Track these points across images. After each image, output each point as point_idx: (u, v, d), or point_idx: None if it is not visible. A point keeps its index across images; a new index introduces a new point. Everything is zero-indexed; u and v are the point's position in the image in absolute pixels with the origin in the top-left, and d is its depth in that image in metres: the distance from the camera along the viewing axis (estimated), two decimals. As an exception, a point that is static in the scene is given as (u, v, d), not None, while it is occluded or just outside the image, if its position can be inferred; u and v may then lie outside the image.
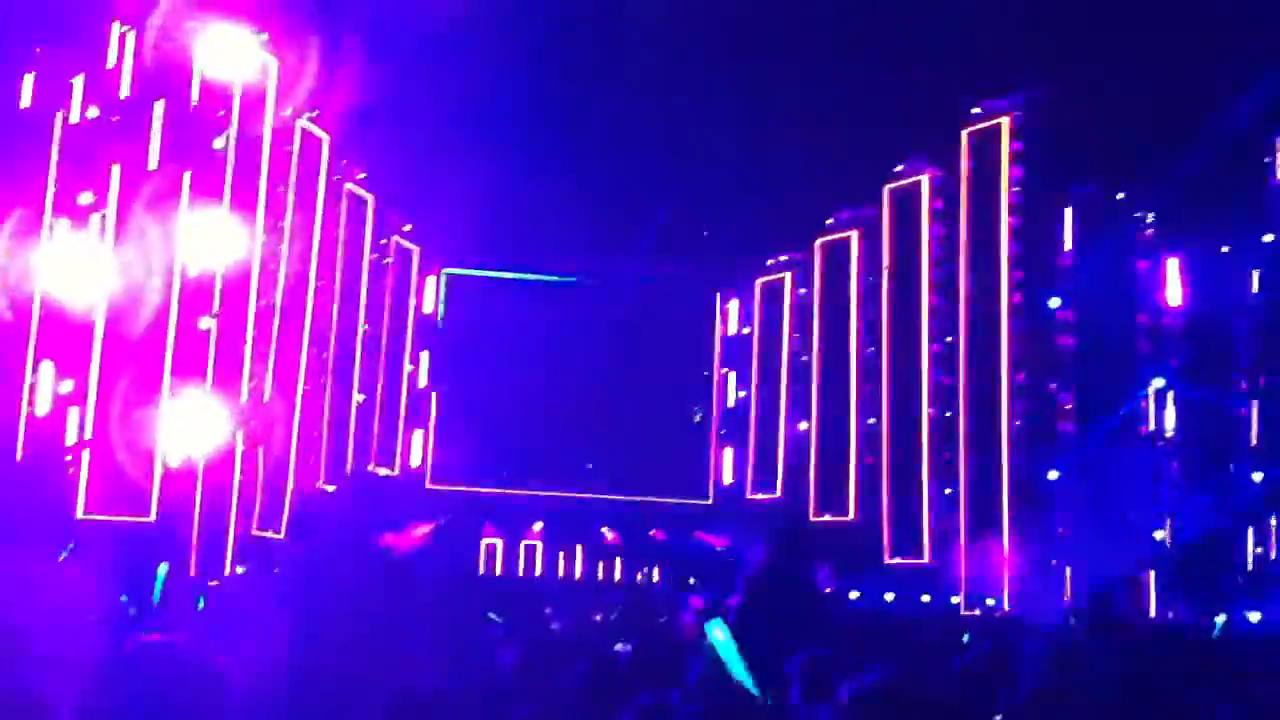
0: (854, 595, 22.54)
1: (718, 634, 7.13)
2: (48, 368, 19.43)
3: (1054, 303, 24.22)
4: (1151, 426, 23.85)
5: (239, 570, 20.12)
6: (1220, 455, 23.07)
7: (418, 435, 28.03)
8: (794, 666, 6.89)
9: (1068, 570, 22.75)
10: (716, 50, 25.48)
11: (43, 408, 19.37)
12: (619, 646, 12.38)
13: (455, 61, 23.63)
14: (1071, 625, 15.01)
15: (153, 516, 19.83)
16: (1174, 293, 23.84)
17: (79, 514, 19.43)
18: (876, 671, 4.21)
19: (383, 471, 23.57)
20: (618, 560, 27.28)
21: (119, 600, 15.92)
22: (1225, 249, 23.36)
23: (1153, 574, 22.82)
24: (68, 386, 19.44)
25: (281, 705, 7.43)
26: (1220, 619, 18.79)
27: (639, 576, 26.89)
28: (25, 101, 19.75)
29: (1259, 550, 22.33)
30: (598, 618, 16.29)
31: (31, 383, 19.26)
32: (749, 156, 25.15)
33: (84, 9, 20.12)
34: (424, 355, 28.30)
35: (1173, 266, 23.84)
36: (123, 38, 20.57)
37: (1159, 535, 23.28)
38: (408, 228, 27.68)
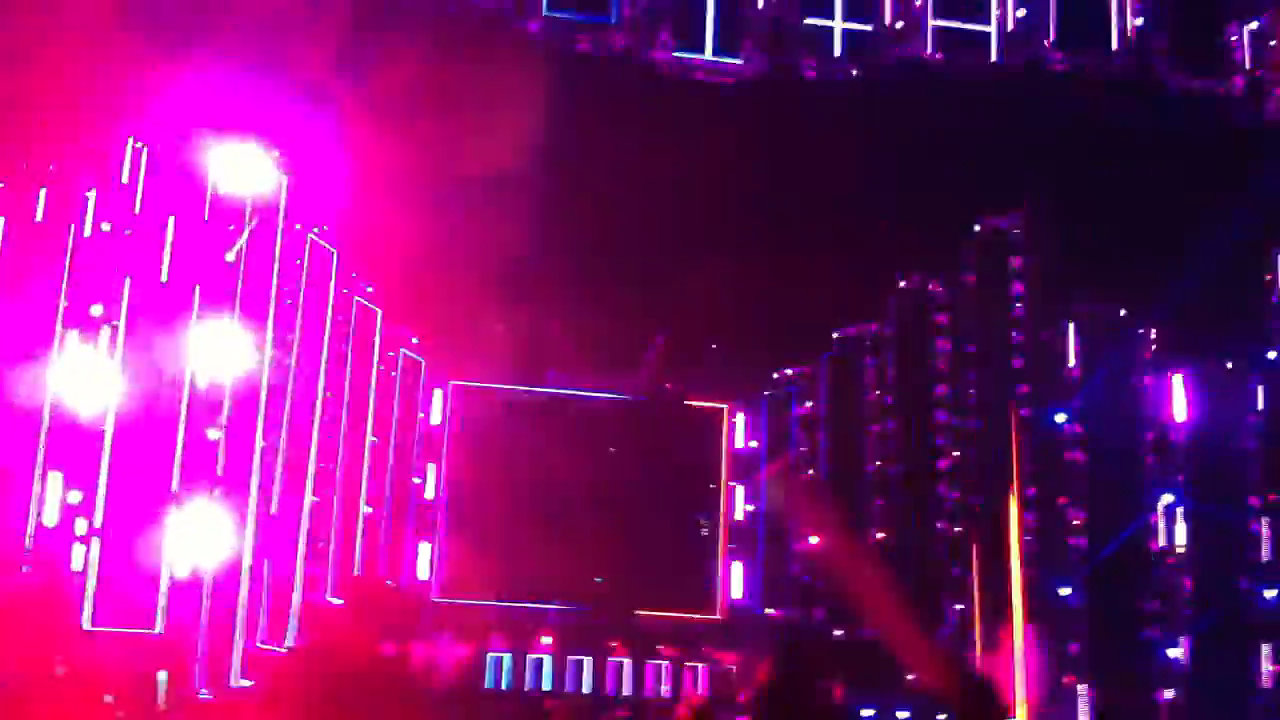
0: (868, 715, 22.20)
1: None
2: (56, 478, 19.42)
3: (1060, 418, 24.21)
4: (1162, 542, 23.69)
5: (244, 684, 19.89)
6: (1231, 571, 22.90)
7: (424, 547, 27.83)
8: None
9: (1081, 689, 22.45)
10: (723, 169, 25.82)
11: (51, 518, 19.31)
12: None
13: (465, 179, 23.93)
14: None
15: (159, 629, 19.67)
16: (1179, 408, 23.86)
17: (85, 625, 19.29)
18: None
19: (392, 585, 23.41)
20: (624, 673, 26.89)
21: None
22: (1229, 365, 23.43)
23: (1170, 693, 22.53)
24: (76, 497, 19.40)
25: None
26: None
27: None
28: (39, 215, 20.02)
29: (1274, 669, 22.06)
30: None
31: (40, 493, 19.23)
32: (756, 270, 25.31)
33: (99, 125, 20.47)
34: (430, 467, 28.22)
35: (1177, 382, 23.89)
36: (136, 153, 20.91)
37: (1174, 653, 22.99)
38: (415, 340, 27.80)
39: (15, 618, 17.77)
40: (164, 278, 20.81)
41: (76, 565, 19.43)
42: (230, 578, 20.92)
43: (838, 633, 26.43)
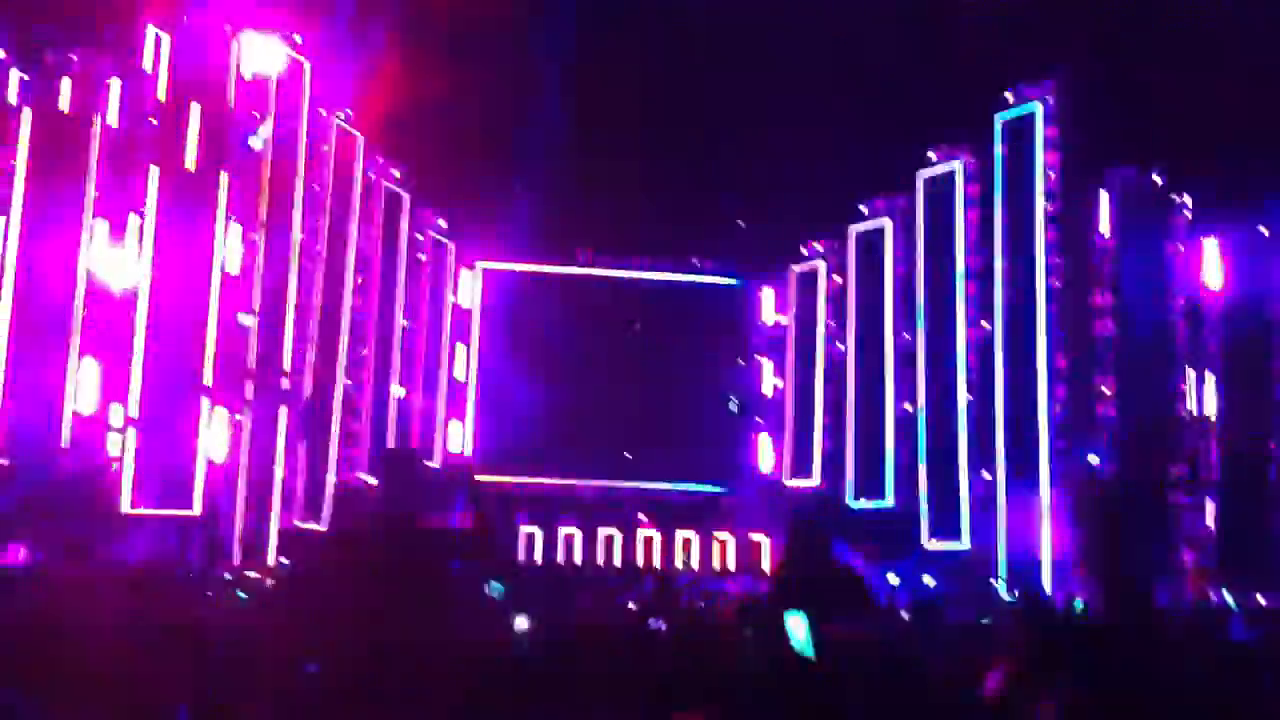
0: (893, 579, 22.57)
1: (795, 623, 7.14)
2: (91, 365, 19.83)
3: (1092, 288, 24.12)
4: (1192, 409, 23.69)
5: (282, 561, 20.44)
6: (1260, 437, 22.91)
7: (455, 427, 28.28)
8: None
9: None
10: (751, 43, 25.58)
11: (87, 405, 19.76)
12: (652, 623, 12.64)
13: (489, 58, 23.84)
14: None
15: (197, 510, 20.20)
16: (1212, 275, 23.68)
17: (124, 508, 19.83)
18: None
19: (428, 462, 23.87)
20: (656, 546, 27.40)
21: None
22: (1264, 230, 23.20)
23: (1194, 557, 22.74)
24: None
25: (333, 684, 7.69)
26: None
27: (678, 561, 27.02)
28: (64, 106, 20.15)
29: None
30: (631, 605, 16.49)
31: (75, 381, 19.65)
32: (784, 145, 25.18)
33: (119, 14, 20.49)
34: (460, 349, 28.56)
35: (1211, 249, 23.69)
36: (158, 41, 20.94)
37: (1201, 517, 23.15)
38: (443, 223, 27.94)
39: (56, 503, 18.31)
40: (190, 165, 20.97)
41: (114, 451, 19.89)
42: (265, 460, 21.40)
43: (861, 503, 26.81)
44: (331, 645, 8.17)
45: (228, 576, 17.89)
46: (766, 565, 25.02)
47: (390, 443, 24.90)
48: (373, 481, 22.98)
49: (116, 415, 19.78)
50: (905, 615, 17.37)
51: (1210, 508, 23.04)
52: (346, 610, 8.42)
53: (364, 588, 8.47)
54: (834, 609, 10.55)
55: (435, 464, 26.32)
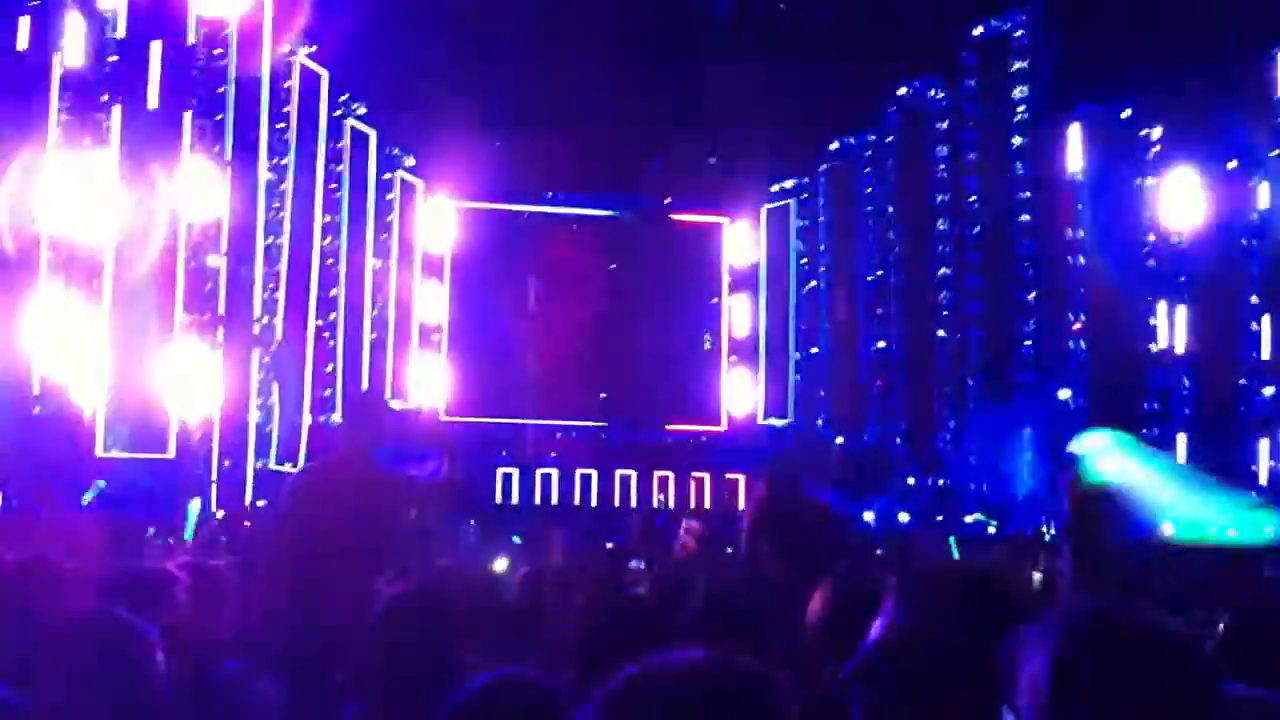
0: (868, 516, 22.69)
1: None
2: (59, 310, 19.53)
3: (1063, 222, 24.15)
4: (1161, 344, 23.80)
5: (260, 504, 20.34)
6: (1231, 370, 23.03)
7: (427, 368, 28.13)
8: None
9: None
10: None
11: (55, 351, 19.49)
12: (633, 564, 12.71)
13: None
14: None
15: (172, 453, 20.06)
16: (1181, 209, 23.68)
17: (99, 453, 19.67)
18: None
19: (396, 404, 23.74)
20: (632, 487, 27.42)
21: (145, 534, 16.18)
22: (1232, 164, 23.20)
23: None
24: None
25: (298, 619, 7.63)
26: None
27: (654, 502, 27.07)
28: (22, 44, 19.72)
29: (1273, 464, 22.34)
30: (609, 545, 16.56)
31: (44, 327, 19.36)
32: (754, 80, 24.96)
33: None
34: (432, 289, 28.37)
35: (1179, 182, 23.67)
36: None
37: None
38: (410, 162, 27.62)
39: (28, 449, 18.13)
40: (152, 104, 20.62)
41: (84, 397, 19.67)
42: (240, 403, 21.24)
43: (838, 440, 26.90)
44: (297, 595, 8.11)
45: (205, 519, 17.82)
46: (742, 504, 25.07)
47: (363, 385, 24.76)
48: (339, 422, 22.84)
49: (86, 360, 19.52)
50: (879, 552, 17.48)
51: (1182, 441, 23.22)
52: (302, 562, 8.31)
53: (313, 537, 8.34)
54: (813, 550, 10.53)
55: (407, 406, 26.17)
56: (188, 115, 20.76)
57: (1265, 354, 22.43)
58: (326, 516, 8.10)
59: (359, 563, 7.92)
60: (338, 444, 9.46)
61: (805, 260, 28.99)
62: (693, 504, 25.85)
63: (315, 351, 23.90)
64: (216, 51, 21.11)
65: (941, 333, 25.50)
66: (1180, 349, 23.58)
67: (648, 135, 27.25)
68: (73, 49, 20.10)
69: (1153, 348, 23.71)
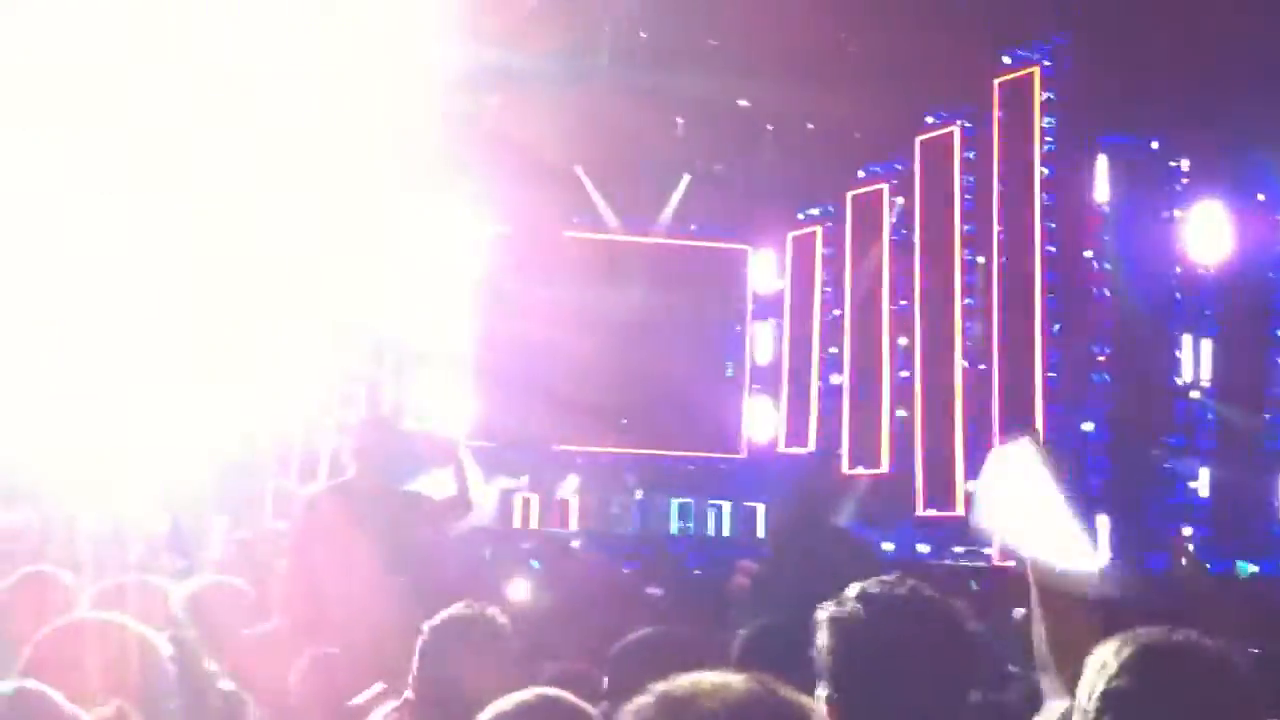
0: (887, 547, 22.59)
1: None
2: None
3: (1088, 254, 24.05)
4: (1186, 378, 23.67)
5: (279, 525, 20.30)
6: (1256, 405, 22.88)
7: (450, 392, 28.15)
8: None
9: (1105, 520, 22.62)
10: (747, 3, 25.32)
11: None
12: (650, 590, 12.65)
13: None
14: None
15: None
16: (1209, 242, 23.57)
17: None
18: None
19: (413, 425, 23.79)
20: (651, 513, 27.40)
21: None
22: (1261, 197, 23.11)
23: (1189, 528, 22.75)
24: None
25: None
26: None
27: (673, 528, 27.03)
28: None
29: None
30: (626, 571, 16.46)
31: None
32: (780, 108, 25.02)
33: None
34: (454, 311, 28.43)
35: (1208, 216, 23.57)
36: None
37: (1194, 485, 23.14)
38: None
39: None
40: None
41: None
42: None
43: (858, 470, 26.80)
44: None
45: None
46: (761, 532, 25.02)
47: (378, 409, 24.82)
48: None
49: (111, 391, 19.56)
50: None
51: (1205, 476, 23.03)
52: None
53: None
54: (835, 579, 10.46)
55: (422, 429, 26.13)
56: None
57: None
58: (342, 535, 8.13)
59: (374, 581, 7.93)
60: (367, 474, 9.44)
61: (829, 288, 28.95)
62: (711, 531, 25.78)
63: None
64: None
65: (965, 363, 25.39)
66: (1205, 382, 23.44)
67: (673, 160, 27.29)
68: None
69: (1178, 380, 23.56)
